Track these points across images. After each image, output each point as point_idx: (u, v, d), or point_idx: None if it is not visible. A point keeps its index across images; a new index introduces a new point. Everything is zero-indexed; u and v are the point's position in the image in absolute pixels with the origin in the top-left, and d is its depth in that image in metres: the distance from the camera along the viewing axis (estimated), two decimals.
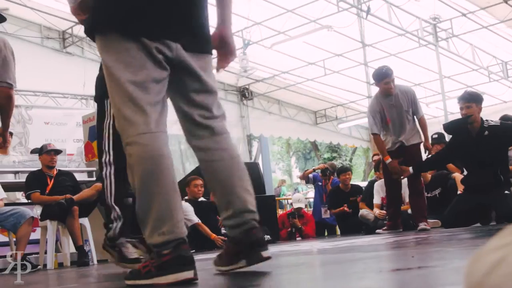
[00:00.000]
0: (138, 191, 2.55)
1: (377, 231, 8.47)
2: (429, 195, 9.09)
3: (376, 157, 10.11)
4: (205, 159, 2.86)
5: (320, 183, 12.05)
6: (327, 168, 12.05)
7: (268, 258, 2.76)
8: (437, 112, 18.91)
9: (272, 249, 5.99)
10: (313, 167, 13.07)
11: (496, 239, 0.98)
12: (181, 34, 2.69)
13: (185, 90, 2.83)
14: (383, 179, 8.78)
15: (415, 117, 8.01)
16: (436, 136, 9.98)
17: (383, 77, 7.93)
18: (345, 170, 11.39)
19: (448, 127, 7.69)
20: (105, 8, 2.66)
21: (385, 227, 8.36)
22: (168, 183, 2.54)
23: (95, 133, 9.89)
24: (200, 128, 2.85)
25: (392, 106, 7.89)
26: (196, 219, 8.94)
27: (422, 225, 7.61)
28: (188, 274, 2.44)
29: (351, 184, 11.20)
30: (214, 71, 2.94)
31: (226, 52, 3.05)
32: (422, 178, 8.20)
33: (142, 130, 2.56)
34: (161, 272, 2.45)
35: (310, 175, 12.31)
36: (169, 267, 2.44)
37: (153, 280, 2.46)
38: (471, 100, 7.22)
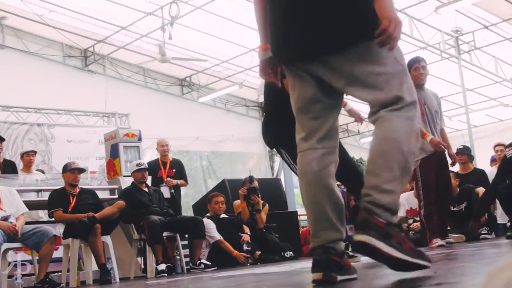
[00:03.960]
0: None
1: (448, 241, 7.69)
2: (455, 209, 9.02)
3: None
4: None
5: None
6: None
7: (360, 242, 2.54)
8: (460, 125, 18.80)
9: (294, 266, 5.98)
10: (338, 183, 12.96)
11: (511, 256, 0.98)
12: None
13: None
14: (407, 192, 8.73)
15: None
16: (461, 147, 9.90)
17: (413, 62, 7.51)
18: None
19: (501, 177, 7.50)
20: None
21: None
22: (314, 197, 2.84)
23: (116, 151, 9.98)
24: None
25: (424, 102, 7.42)
26: (218, 236, 8.95)
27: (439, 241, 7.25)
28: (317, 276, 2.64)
29: None
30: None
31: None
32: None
33: (301, 148, 2.92)
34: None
35: None
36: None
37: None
38: None
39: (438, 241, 7.08)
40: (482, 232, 8.66)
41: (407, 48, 15.29)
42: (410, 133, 2.68)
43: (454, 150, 8.54)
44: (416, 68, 7.48)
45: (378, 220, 2.54)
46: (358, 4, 2.69)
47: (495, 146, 10.47)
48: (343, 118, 20.33)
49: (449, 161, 7.69)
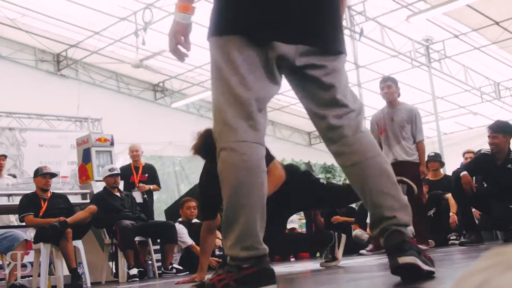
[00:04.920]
0: (226, 199, 2.43)
1: (361, 251, 8.41)
2: None
3: None
4: (341, 164, 2.73)
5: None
6: None
7: (407, 264, 2.41)
8: (431, 133, 18.93)
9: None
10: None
11: (480, 261, 0.98)
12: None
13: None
14: None
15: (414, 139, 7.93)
16: (433, 154, 10.06)
17: (380, 82, 8.06)
18: None
19: (472, 168, 7.55)
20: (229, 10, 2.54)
21: (369, 248, 8.32)
22: (259, 197, 2.43)
23: (89, 155, 9.92)
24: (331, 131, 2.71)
25: (392, 119, 7.89)
26: (190, 241, 8.92)
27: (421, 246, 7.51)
28: None
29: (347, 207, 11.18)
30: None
31: None
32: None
33: (241, 138, 2.43)
34: (241, 286, 2.33)
35: None
36: (251, 281, 2.33)
37: None
38: (498, 130, 7.22)
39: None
40: (451, 237, 8.75)
41: (378, 56, 15.42)
42: None
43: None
44: (382, 87, 7.98)
45: (411, 239, 2.52)
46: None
47: (464, 153, 10.58)
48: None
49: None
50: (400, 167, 7.72)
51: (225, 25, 2.54)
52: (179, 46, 2.70)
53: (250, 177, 2.42)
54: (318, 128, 2.76)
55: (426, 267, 2.44)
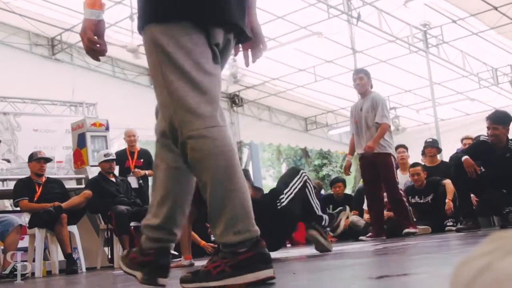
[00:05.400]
0: (210, 189, 2.38)
1: (360, 237, 8.43)
2: (421, 201, 9.16)
3: None
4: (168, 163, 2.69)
5: None
6: (314, 187, 11.87)
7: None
8: (428, 119, 18.96)
9: None
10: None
11: (481, 246, 0.98)
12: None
13: None
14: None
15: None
16: (430, 140, 10.10)
17: (353, 74, 8.68)
18: (336, 182, 11.37)
19: (471, 153, 7.55)
20: None
21: (369, 234, 8.34)
22: (240, 180, 2.39)
23: (83, 140, 9.90)
24: None
25: (360, 109, 8.32)
26: None
27: (407, 230, 7.78)
28: (269, 272, 2.32)
29: (344, 194, 11.19)
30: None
31: (258, 42, 2.90)
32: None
33: (210, 123, 2.39)
34: (238, 271, 2.29)
35: None
36: (247, 265, 2.30)
37: (227, 281, 2.30)
38: (498, 122, 7.22)
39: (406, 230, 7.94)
40: (448, 224, 8.78)
41: (376, 41, 15.39)
42: None
43: (420, 144, 8.81)
44: (354, 79, 8.52)
45: None
46: None
47: (462, 139, 10.59)
48: (312, 110, 20.20)
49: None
50: (369, 157, 7.98)
51: (170, 10, 2.48)
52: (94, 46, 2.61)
53: (227, 161, 2.38)
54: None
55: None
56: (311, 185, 5.57)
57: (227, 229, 2.34)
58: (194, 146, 2.39)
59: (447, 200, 8.86)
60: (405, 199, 8.20)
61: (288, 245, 10.99)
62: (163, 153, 2.69)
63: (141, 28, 2.55)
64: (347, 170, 8.72)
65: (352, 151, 8.58)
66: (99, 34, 2.61)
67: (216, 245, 8.07)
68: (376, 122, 8.08)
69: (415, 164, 9.49)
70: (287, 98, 19.27)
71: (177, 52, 2.43)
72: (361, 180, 10.15)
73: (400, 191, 8.18)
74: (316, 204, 5.49)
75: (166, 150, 2.66)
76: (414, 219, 8.37)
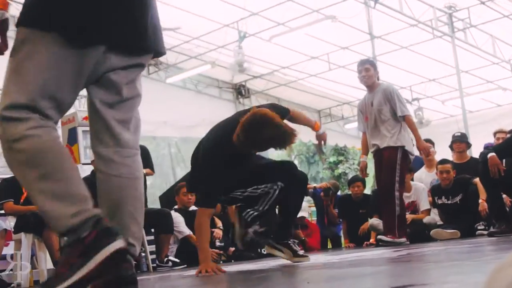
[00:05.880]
0: (40, 183, 2.51)
1: (379, 236, 8.20)
2: (449, 201, 9.11)
3: None
4: (102, 170, 2.81)
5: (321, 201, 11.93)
6: (330, 188, 11.86)
7: None
8: (454, 111, 18.92)
9: (273, 263, 5.98)
10: (314, 185, 12.83)
11: None
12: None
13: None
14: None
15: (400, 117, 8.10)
16: (458, 134, 10.01)
17: (357, 65, 8.47)
18: (355, 181, 11.25)
19: (503, 149, 7.52)
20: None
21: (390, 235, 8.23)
22: (71, 167, 2.59)
23: (75, 136, 9.89)
24: (109, 135, 2.81)
25: (370, 104, 8.24)
26: (187, 231, 8.93)
27: (382, 237, 7.87)
28: (120, 243, 2.40)
29: (363, 194, 11.11)
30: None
31: None
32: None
33: (34, 124, 2.53)
34: (89, 255, 2.36)
35: (310, 190, 12.03)
36: (97, 244, 2.37)
37: (79, 273, 2.34)
38: None
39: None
40: (479, 227, 8.71)
41: (396, 25, 15.34)
42: None
43: (447, 139, 8.74)
44: (359, 71, 8.34)
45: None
46: None
47: (495, 133, 10.52)
48: (326, 102, 20.21)
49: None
50: (381, 154, 7.94)
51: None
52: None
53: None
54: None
55: None
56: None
57: (64, 215, 2.46)
58: (20, 147, 2.54)
59: (480, 201, 8.74)
60: (398, 208, 8.00)
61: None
62: None
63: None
64: (363, 171, 8.66)
65: (365, 150, 8.53)
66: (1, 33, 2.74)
67: (221, 251, 8.06)
68: (399, 116, 8.00)
69: (444, 161, 9.41)
70: (298, 89, 19.26)
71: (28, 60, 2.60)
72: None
73: (396, 194, 7.94)
74: None
75: None
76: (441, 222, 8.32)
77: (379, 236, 7.86)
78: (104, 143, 2.78)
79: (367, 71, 8.22)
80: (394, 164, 7.97)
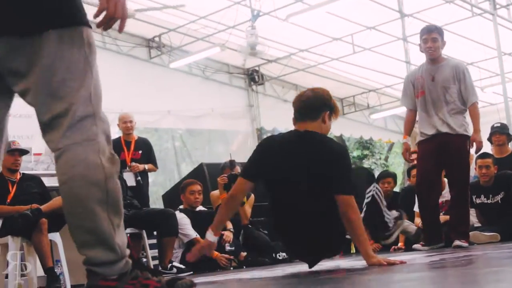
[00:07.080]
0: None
1: (414, 246, 8.24)
2: (488, 201, 9.05)
3: (414, 156, 9.07)
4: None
5: None
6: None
7: None
8: (495, 98, 18.83)
9: (288, 269, 5.98)
10: None
11: None
12: None
13: None
14: None
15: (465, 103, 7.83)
16: (499, 124, 9.92)
17: (422, 32, 7.97)
18: (386, 176, 11.10)
19: None
20: None
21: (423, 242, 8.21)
22: None
23: None
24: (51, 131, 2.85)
25: (431, 78, 7.80)
26: (194, 234, 8.92)
27: (459, 242, 7.54)
28: None
29: (393, 192, 10.97)
30: None
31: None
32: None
33: None
34: None
35: None
36: None
37: None
38: None
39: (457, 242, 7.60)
40: None
41: (430, 1, 15.27)
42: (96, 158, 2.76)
43: (485, 130, 8.66)
44: (424, 40, 7.83)
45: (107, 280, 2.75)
46: None
47: None
48: (350, 89, 20.17)
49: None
50: (443, 141, 7.70)
51: None
52: None
53: None
54: None
55: None
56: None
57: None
58: None
59: None
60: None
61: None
62: None
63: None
64: (407, 153, 8.20)
65: (409, 131, 8.19)
66: None
67: (231, 256, 8.10)
68: (470, 102, 7.72)
69: (484, 155, 9.28)
70: (318, 74, 19.20)
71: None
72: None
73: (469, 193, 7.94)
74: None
75: None
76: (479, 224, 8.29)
77: (457, 243, 7.55)
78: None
79: (434, 41, 7.77)
80: (467, 158, 7.84)
